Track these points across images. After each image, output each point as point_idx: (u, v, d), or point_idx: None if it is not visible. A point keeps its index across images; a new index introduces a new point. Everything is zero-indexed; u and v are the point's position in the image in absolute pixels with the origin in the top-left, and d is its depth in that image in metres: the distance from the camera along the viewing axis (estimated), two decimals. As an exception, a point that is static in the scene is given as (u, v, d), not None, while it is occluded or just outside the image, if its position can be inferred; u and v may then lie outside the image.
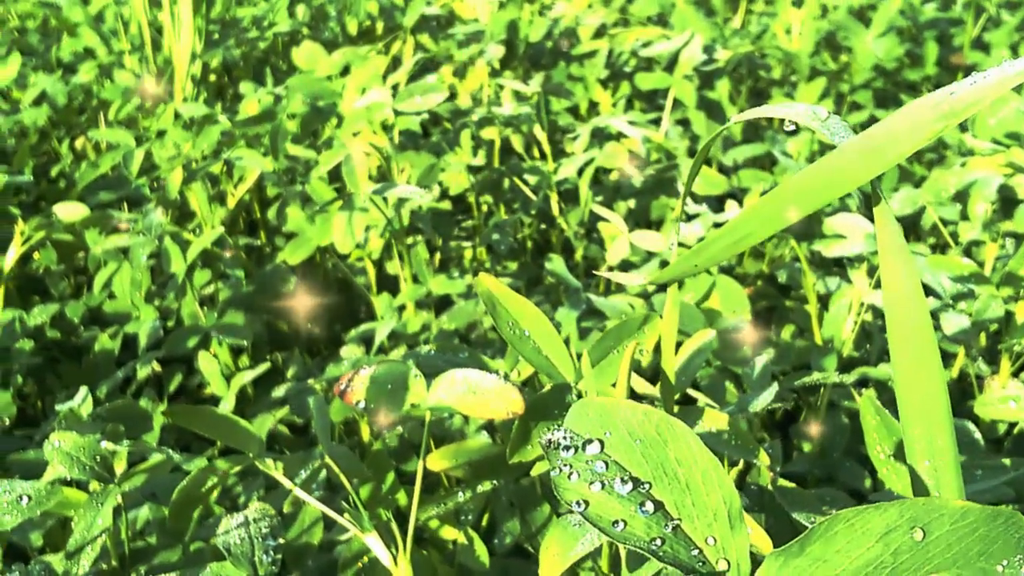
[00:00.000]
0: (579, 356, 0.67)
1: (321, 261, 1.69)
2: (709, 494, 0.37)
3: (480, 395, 0.62)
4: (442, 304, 1.44)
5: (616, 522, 0.37)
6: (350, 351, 1.32)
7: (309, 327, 1.69)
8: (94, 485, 0.84)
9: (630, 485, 0.38)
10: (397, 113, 1.22)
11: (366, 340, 1.35)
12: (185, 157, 1.40)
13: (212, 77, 2.00)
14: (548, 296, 1.49)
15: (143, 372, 1.26)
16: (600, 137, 1.56)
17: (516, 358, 0.77)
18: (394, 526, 0.64)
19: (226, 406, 1.19)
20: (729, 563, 0.36)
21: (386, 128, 1.45)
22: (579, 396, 0.66)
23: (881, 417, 0.77)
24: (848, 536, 0.33)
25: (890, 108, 1.89)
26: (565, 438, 0.40)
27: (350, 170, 1.12)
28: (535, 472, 0.63)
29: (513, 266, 1.57)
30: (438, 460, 0.73)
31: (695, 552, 0.37)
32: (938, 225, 1.47)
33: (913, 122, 0.50)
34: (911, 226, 1.55)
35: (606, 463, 0.39)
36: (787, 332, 1.38)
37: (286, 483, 0.66)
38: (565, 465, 0.39)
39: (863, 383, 1.21)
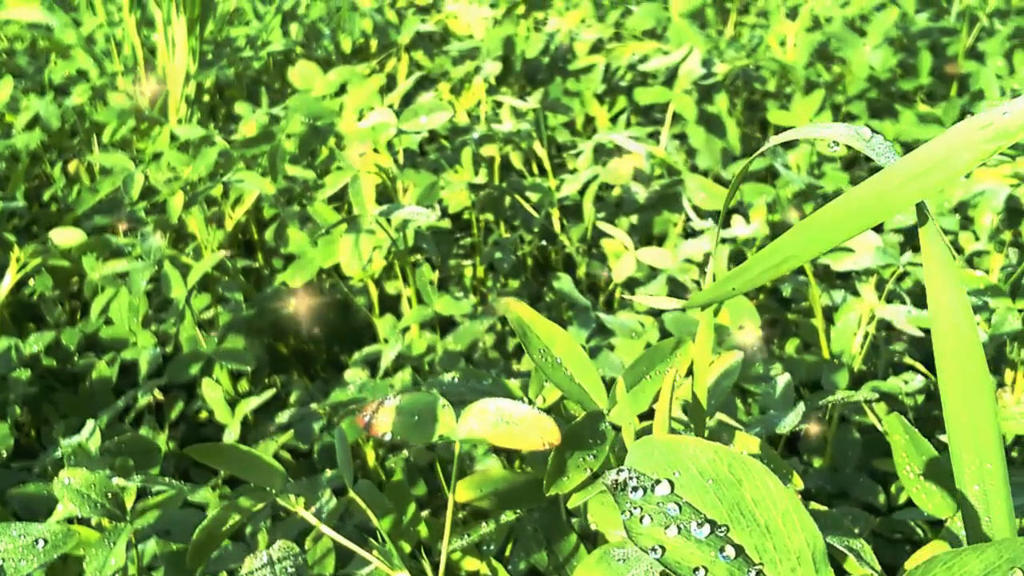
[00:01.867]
0: (610, 382, 0.65)
1: (319, 283, 1.67)
2: (791, 536, 0.36)
3: (514, 425, 0.60)
4: (443, 324, 1.42)
5: (696, 569, 0.36)
6: (354, 374, 1.30)
7: (309, 350, 1.67)
8: (104, 522, 0.82)
9: (707, 528, 0.37)
10: (400, 132, 1.21)
11: (370, 363, 1.33)
12: (184, 180, 1.38)
13: (206, 97, 1.98)
14: (550, 313, 1.48)
15: (144, 400, 1.23)
16: (600, 153, 1.55)
17: (541, 384, 0.75)
18: (425, 564, 0.63)
19: (231, 434, 1.17)
20: (815, 608, 0.35)
21: (387, 147, 1.43)
22: (613, 425, 0.65)
23: (910, 436, 0.75)
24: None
25: (884, 119, 1.90)
26: (631, 478, 0.39)
27: (357, 191, 1.10)
28: (571, 504, 0.62)
29: (515, 284, 1.56)
30: (464, 491, 0.71)
31: (778, 599, 0.35)
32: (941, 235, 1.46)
33: (964, 142, 0.49)
34: (909, 238, 1.55)
35: (679, 505, 0.38)
36: (791, 346, 1.38)
37: (313, 520, 0.65)
38: (635, 508, 0.38)
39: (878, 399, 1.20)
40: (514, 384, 0.75)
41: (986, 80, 1.61)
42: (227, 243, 1.62)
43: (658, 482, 0.39)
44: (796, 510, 0.36)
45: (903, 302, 1.20)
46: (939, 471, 0.75)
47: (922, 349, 1.38)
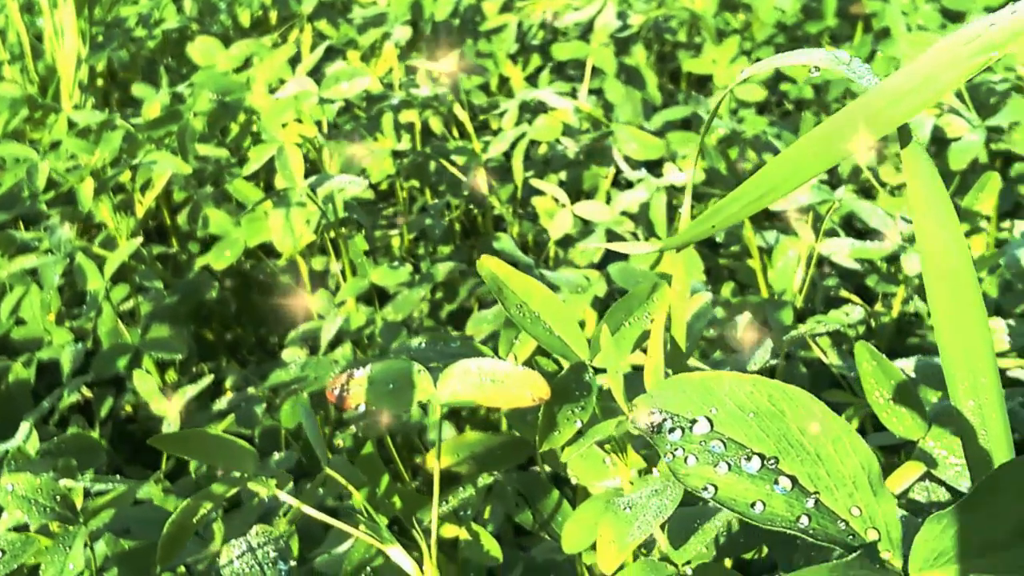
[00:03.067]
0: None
1: (238, 265, 1.61)
2: (844, 462, 0.35)
3: (500, 384, 0.58)
4: (371, 297, 1.38)
5: (754, 504, 0.34)
6: (293, 354, 1.26)
7: (237, 335, 1.61)
8: (53, 526, 0.77)
9: (756, 462, 0.35)
10: (323, 101, 1.16)
11: (309, 340, 1.28)
12: (90, 167, 1.30)
13: (100, 82, 1.88)
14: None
15: (70, 399, 1.17)
16: (522, 111, 1.53)
17: (510, 343, 0.73)
18: (416, 533, 0.60)
19: (169, 426, 1.11)
20: (879, 532, 0.34)
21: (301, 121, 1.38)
22: (596, 372, 0.63)
23: (879, 362, 0.76)
24: (1013, 490, 0.31)
25: (793, 63, 1.91)
26: (667, 420, 0.37)
27: (284, 164, 1.05)
28: (564, 458, 0.60)
29: (446, 250, 1.53)
30: (441, 456, 0.69)
31: (842, 525, 0.34)
32: (861, 169, 1.49)
33: (949, 59, 0.48)
34: (830, 174, 1.57)
35: (723, 442, 0.36)
36: (727, 290, 1.38)
37: (293, 501, 0.61)
38: (676, 449, 0.36)
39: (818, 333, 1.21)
40: (482, 346, 0.73)
41: (892, 18, 1.64)
42: (138, 230, 1.55)
43: (695, 421, 0.37)
44: (847, 435, 0.35)
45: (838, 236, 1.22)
46: (907, 395, 0.76)
47: (854, 282, 1.40)
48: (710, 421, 0.37)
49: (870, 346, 0.77)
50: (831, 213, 1.14)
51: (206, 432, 0.59)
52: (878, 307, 1.34)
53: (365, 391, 0.63)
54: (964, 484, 0.72)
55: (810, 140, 0.54)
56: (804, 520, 0.34)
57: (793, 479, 0.35)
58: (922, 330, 1.36)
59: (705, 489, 0.35)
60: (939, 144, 1.28)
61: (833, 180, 1.56)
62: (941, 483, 0.72)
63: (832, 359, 1.13)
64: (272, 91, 1.50)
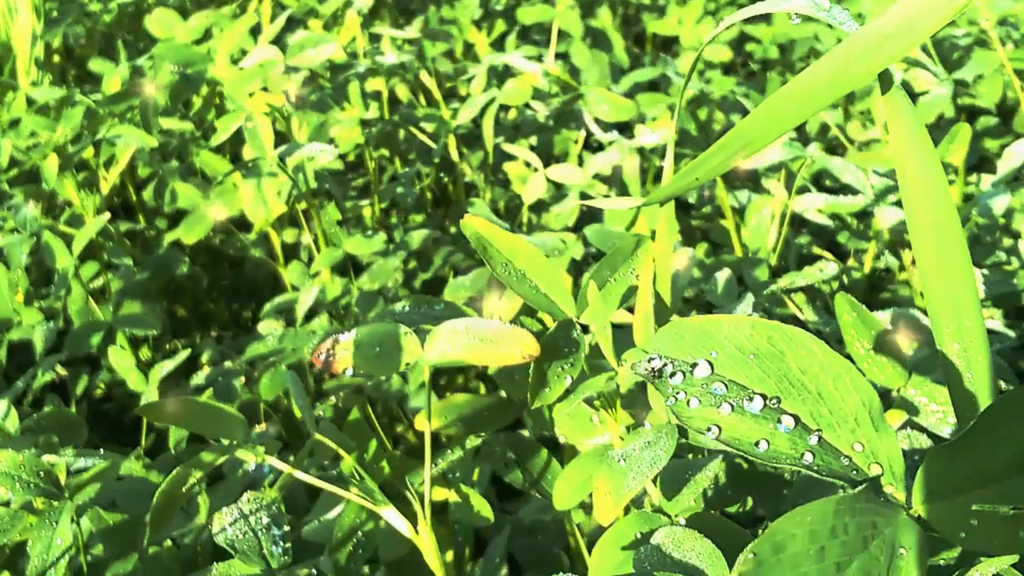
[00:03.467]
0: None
1: (208, 240, 1.60)
2: (845, 399, 0.35)
3: (489, 342, 0.58)
4: (345, 267, 1.37)
5: (758, 443, 0.35)
6: (269, 326, 1.25)
7: (209, 310, 1.60)
8: (37, 503, 0.76)
9: (759, 402, 0.35)
10: (289, 70, 1.14)
11: (285, 313, 1.27)
12: (52, 144, 1.27)
13: (56, 59, 1.84)
14: (457, 244, 1.45)
15: (45, 378, 1.15)
16: (490, 77, 1.52)
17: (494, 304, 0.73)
18: (410, 495, 0.60)
19: (148, 401, 1.10)
20: (882, 467, 0.34)
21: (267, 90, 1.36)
22: (583, 329, 0.63)
23: (859, 313, 0.77)
24: (1011, 422, 0.32)
25: (758, 23, 1.92)
26: (667, 364, 0.37)
27: (254, 134, 1.04)
28: (555, 415, 0.60)
29: (418, 219, 1.52)
30: (427, 421, 0.69)
31: (845, 461, 0.34)
32: (829, 126, 1.50)
33: (929, 3, 0.48)
34: (798, 129, 1.57)
35: (724, 384, 0.36)
36: (700, 251, 1.39)
37: (283, 467, 0.61)
38: (678, 392, 0.36)
39: (792, 290, 1.22)
40: (467, 308, 0.72)
41: (855, -26, 1.64)
42: (104, 207, 1.52)
43: (695, 364, 0.37)
44: (847, 372, 0.36)
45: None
46: (888, 344, 0.77)
47: (825, 239, 1.42)
48: (710, 364, 0.37)
49: (850, 298, 0.78)
50: (803, 170, 1.15)
51: (195, 400, 0.59)
52: (850, 263, 1.35)
53: (352, 355, 0.63)
54: (946, 430, 0.74)
55: (794, 87, 0.54)
56: (808, 457, 0.35)
57: (795, 418, 0.35)
58: (894, 285, 1.38)
59: (709, 430, 0.36)
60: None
61: (802, 138, 1.57)
62: (923, 430, 0.73)
63: (808, 315, 1.15)
64: (235, 62, 1.48)
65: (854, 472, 0.34)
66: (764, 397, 0.36)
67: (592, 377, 0.62)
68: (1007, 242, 1.20)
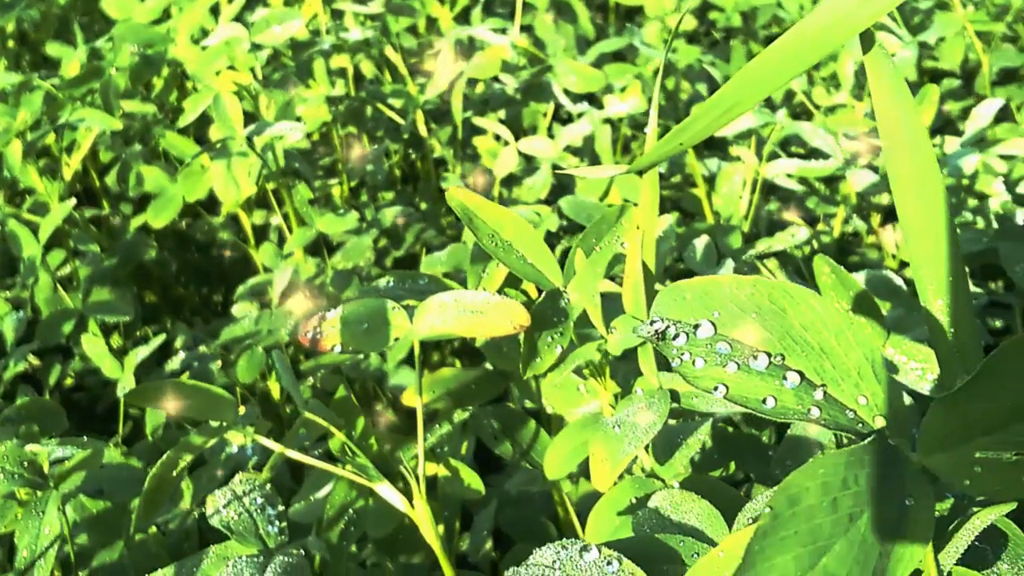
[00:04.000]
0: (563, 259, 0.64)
1: (175, 224, 1.58)
2: (848, 354, 0.35)
3: (480, 314, 0.58)
4: (317, 247, 1.36)
5: (765, 399, 0.35)
6: (244, 308, 1.24)
7: (179, 295, 1.58)
8: (21, 493, 0.75)
9: (764, 359, 0.36)
10: (255, 47, 1.13)
11: (258, 294, 1.26)
12: (14, 129, 1.25)
13: (10, 44, 1.80)
14: (429, 221, 1.45)
15: (17, 368, 1.13)
16: (456, 51, 1.50)
17: (478, 276, 0.73)
18: (405, 470, 0.60)
19: (124, 389, 1.09)
20: (886, 419, 0.35)
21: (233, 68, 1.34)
22: (571, 299, 0.63)
23: (837, 274, 0.77)
24: (1016, 368, 0.32)
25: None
26: (670, 327, 0.37)
27: (222, 112, 1.02)
28: (546, 384, 0.60)
29: (389, 196, 1.51)
30: (416, 395, 0.69)
31: (850, 414, 0.35)
32: (795, 92, 1.51)
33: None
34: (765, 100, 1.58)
35: (728, 343, 0.37)
36: (672, 220, 1.39)
37: (275, 446, 0.61)
38: (683, 353, 0.37)
39: (765, 256, 1.23)
40: (450, 281, 0.72)
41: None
42: (67, 194, 1.50)
43: (698, 325, 0.38)
44: (849, 327, 0.36)
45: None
46: (866, 304, 0.78)
47: (794, 204, 1.43)
48: (713, 324, 0.37)
49: (828, 259, 0.79)
50: (773, 136, 1.15)
51: (183, 382, 0.58)
52: (820, 227, 1.36)
53: (339, 332, 0.62)
54: (925, 387, 0.75)
55: (777, 49, 0.54)
56: (815, 411, 0.35)
57: (800, 374, 0.36)
58: (862, 248, 1.39)
59: (716, 389, 0.36)
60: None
61: (768, 105, 1.58)
62: (903, 387, 0.74)
63: (780, 280, 1.16)
64: (196, 42, 1.46)
65: (860, 425, 0.35)
66: (768, 355, 0.36)
67: (581, 346, 0.63)
68: (972, 203, 1.22)
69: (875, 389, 0.35)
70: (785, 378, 0.36)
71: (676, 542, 0.47)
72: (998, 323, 1.14)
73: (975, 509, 0.43)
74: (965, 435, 0.34)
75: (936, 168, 0.54)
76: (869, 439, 0.34)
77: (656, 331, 0.37)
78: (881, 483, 0.33)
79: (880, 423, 0.35)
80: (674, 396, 0.58)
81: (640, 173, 0.66)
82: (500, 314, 0.57)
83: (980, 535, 0.46)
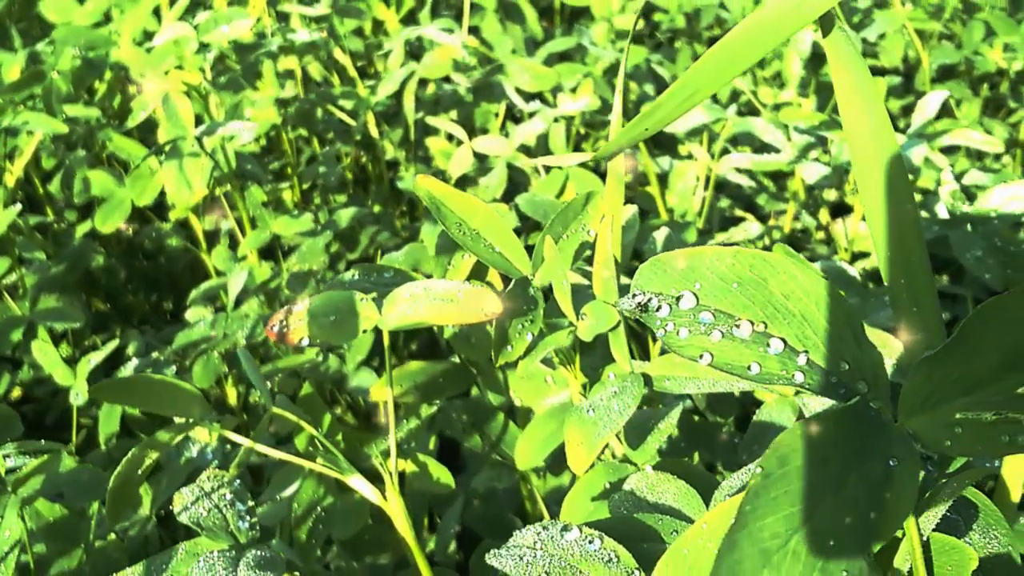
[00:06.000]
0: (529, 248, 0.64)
1: (120, 231, 1.55)
2: (828, 321, 0.36)
3: (451, 303, 0.58)
4: (272, 251, 1.35)
5: (750, 366, 0.36)
6: (198, 313, 1.22)
7: (128, 302, 1.55)
8: (-24, 502, 0.73)
9: (747, 327, 0.36)
10: (203, 47, 1.11)
11: (212, 299, 1.25)
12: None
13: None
14: (382, 223, 1.44)
15: (-37, 379, 1.10)
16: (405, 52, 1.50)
17: (444, 268, 0.72)
18: (376, 462, 0.60)
19: (78, 396, 1.07)
20: (868, 383, 0.36)
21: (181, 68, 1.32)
22: (539, 287, 0.64)
23: (796, 261, 0.79)
24: (992, 329, 0.33)
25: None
26: (653, 299, 0.38)
27: (172, 112, 1.01)
28: (514, 376, 0.60)
29: (341, 199, 1.50)
30: (383, 389, 0.68)
31: (833, 379, 0.36)
32: (742, 91, 1.53)
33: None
34: (711, 98, 1.60)
35: (711, 313, 0.37)
36: (635, 209, 1.40)
37: (245, 442, 0.60)
38: (668, 324, 0.37)
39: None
40: (416, 273, 0.72)
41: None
42: (10, 201, 1.46)
43: (680, 297, 0.38)
44: (829, 294, 0.37)
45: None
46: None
47: (745, 202, 1.45)
48: (695, 296, 0.38)
49: (787, 247, 0.80)
50: (724, 132, 1.17)
51: (151, 377, 0.57)
52: (771, 222, 1.39)
53: (306, 325, 0.62)
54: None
55: (734, 38, 0.55)
56: (799, 376, 0.36)
57: (783, 341, 0.36)
58: (811, 244, 1.42)
59: (702, 356, 0.36)
60: (817, 60, 1.32)
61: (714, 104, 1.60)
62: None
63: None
64: (139, 44, 1.43)
65: (842, 390, 0.35)
66: (751, 322, 0.37)
67: (550, 334, 0.63)
68: (918, 197, 1.25)
69: (856, 354, 0.36)
70: (768, 345, 0.36)
71: (655, 520, 0.48)
72: (945, 314, 1.17)
73: (947, 478, 0.44)
74: (945, 396, 0.35)
75: (897, 148, 0.55)
76: (852, 401, 0.35)
77: (639, 303, 0.38)
78: (866, 444, 0.33)
79: (863, 388, 0.36)
80: (648, 380, 0.59)
81: (606, 161, 0.67)
82: (472, 302, 0.57)
83: (951, 507, 0.47)
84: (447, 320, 0.57)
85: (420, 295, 0.59)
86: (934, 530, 0.43)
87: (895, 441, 0.34)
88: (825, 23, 0.55)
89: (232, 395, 1.19)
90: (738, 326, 0.36)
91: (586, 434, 0.53)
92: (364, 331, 0.61)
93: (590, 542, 0.44)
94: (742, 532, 0.30)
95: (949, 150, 1.46)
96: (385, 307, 0.61)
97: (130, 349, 1.23)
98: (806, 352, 0.36)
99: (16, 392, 1.41)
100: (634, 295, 0.38)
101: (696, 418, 0.78)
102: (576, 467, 0.53)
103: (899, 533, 0.39)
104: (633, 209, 0.74)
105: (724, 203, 1.42)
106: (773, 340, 0.36)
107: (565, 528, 0.45)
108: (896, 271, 0.57)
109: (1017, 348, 0.33)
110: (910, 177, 1.15)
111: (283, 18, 1.70)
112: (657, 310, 0.37)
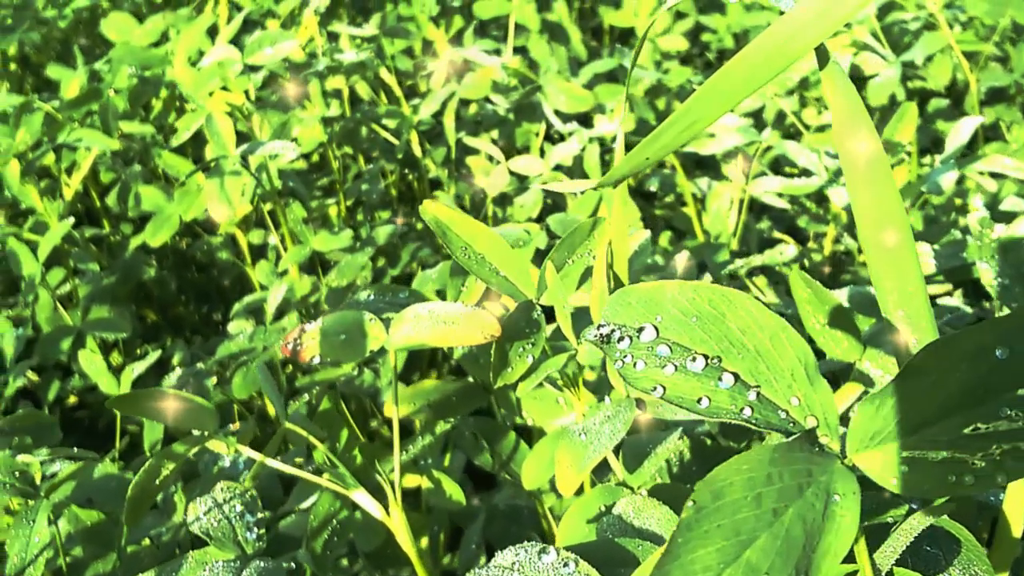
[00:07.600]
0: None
1: (174, 243, 1.60)
2: (782, 356, 0.37)
3: (452, 325, 0.60)
4: (312, 266, 1.38)
5: (700, 399, 0.37)
6: (239, 326, 1.25)
7: (178, 313, 1.60)
8: (13, 503, 0.77)
9: (701, 361, 0.37)
10: (248, 69, 1.15)
11: (254, 312, 1.28)
12: (13, 150, 1.27)
13: (12, 67, 1.83)
14: (424, 240, 1.47)
15: (16, 384, 1.15)
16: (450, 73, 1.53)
17: (458, 290, 0.74)
18: (380, 478, 0.62)
19: (120, 403, 1.11)
20: (817, 419, 0.36)
21: (227, 90, 1.37)
22: (544, 310, 0.65)
23: (813, 289, 0.79)
24: (938, 368, 0.34)
25: (712, 13, 1.95)
26: (615, 330, 0.39)
27: (215, 131, 1.05)
28: (519, 392, 0.62)
29: (384, 216, 1.53)
30: (399, 406, 0.70)
31: (782, 414, 0.36)
32: (786, 114, 1.53)
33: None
34: (756, 117, 1.60)
35: (668, 346, 0.38)
36: (664, 239, 1.41)
37: (256, 456, 0.62)
38: (626, 356, 0.38)
39: (754, 273, 1.25)
40: (431, 295, 0.74)
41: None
42: (67, 214, 1.53)
43: (641, 329, 0.39)
44: (783, 330, 0.37)
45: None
46: (843, 318, 0.79)
47: (786, 224, 1.45)
48: (656, 328, 0.39)
49: (804, 274, 0.80)
50: (759, 155, 1.17)
51: (165, 391, 0.60)
52: (811, 245, 1.38)
53: (318, 343, 0.64)
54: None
55: (737, 63, 0.56)
56: (747, 411, 0.36)
57: (735, 375, 0.37)
58: (854, 267, 1.41)
59: (655, 389, 0.37)
60: (857, 83, 1.31)
61: (758, 125, 1.60)
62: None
63: (770, 298, 1.17)
64: (193, 64, 1.48)
65: (791, 424, 0.36)
66: (706, 357, 0.38)
67: (554, 356, 0.64)
68: (962, 222, 1.23)
69: (807, 390, 0.37)
70: (720, 379, 0.37)
71: (634, 545, 0.49)
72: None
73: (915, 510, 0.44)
74: (890, 435, 0.35)
75: (892, 180, 0.55)
76: (795, 436, 0.35)
77: (601, 335, 0.39)
78: (807, 480, 0.34)
79: (811, 423, 0.36)
80: (640, 405, 0.59)
81: (613, 187, 0.68)
82: (471, 324, 0.59)
83: (934, 540, 0.47)
84: (448, 342, 0.59)
85: (424, 317, 0.61)
86: (906, 566, 0.44)
87: (839, 476, 0.34)
88: (820, 56, 0.55)
89: (272, 407, 1.22)
90: (693, 359, 0.38)
91: (576, 457, 0.54)
92: (371, 351, 0.64)
93: (565, 565, 0.46)
94: (674, 564, 0.31)
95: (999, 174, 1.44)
96: (392, 327, 0.63)
97: (176, 359, 1.27)
98: (758, 387, 0.37)
99: (72, 399, 1.47)
100: (599, 326, 0.40)
101: (708, 442, 0.78)
102: (564, 489, 0.54)
103: (855, 568, 0.39)
104: (646, 234, 0.75)
105: (764, 225, 1.41)
106: (726, 374, 0.37)
107: (543, 551, 0.47)
108: (893, 303, 0.57)
109: (963, 388, 0.34)
110: (940, 201, 1.13)
111: (334, 38, 1.74)
112: (619, 341, 0.39)
